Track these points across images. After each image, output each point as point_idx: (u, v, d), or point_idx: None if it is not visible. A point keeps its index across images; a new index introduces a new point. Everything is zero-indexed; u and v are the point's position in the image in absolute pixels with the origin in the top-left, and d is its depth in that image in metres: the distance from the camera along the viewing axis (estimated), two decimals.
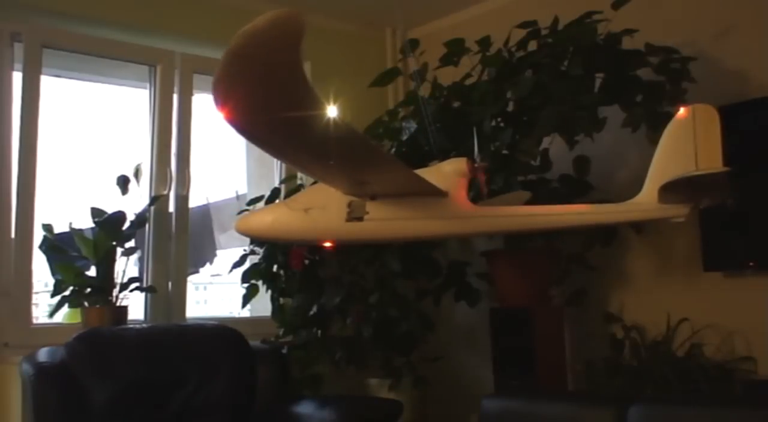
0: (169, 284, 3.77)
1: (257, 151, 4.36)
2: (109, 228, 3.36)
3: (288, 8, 1.22)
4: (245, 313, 4.09)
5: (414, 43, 3.63)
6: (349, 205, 2.00)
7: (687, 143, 1.89)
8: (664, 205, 1.91)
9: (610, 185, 3.42)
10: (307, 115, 1.44)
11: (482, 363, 3.58)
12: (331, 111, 1.47)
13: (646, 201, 1.94)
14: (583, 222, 2.08)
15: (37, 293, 3.57)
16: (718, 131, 1.91)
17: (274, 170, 4.25)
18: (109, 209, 3.39)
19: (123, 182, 3.44)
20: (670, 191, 1.87)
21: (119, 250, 3.40)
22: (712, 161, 1.85)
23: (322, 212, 2.02)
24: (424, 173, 2.04)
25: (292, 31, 1.24)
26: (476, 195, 2.25)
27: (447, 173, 2.00)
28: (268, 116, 1.53)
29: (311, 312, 3.64)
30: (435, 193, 1.95)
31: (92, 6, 3.60)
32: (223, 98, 1.37)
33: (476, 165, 2.03)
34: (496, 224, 2.04)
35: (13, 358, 3.12)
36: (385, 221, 1.98)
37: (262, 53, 1.27)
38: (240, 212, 3.81)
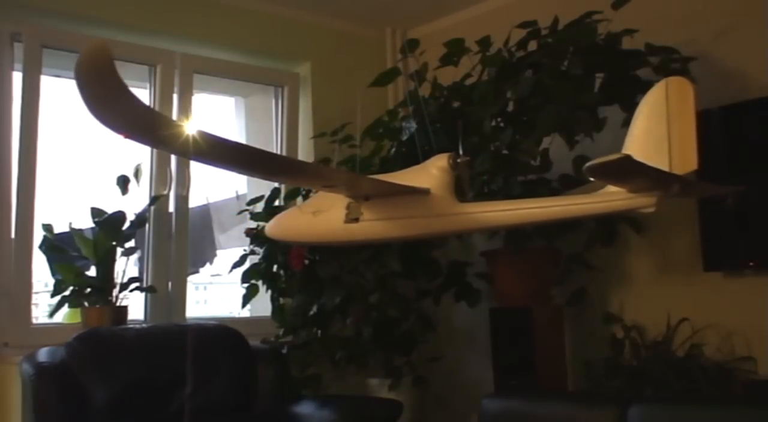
0: (169, 284, 3.77)
1: None
2: (109, 228, 3.36)
3: (98, 39, 1.35)
4: (245, 313, 4.09)
5: (414, 43, 3.63)
6: (347, 207, 2.01)
7: (660, 121, 1.75)
8: (631, 195, 1.77)
9: None
10: (166, 134, 1.53)
11: (482, 363, 3.58)
12: (191, 127, 1.52)
13: (614, 190, 1.81)
14: (552, 216, 1.93)
15: (37, 293, 3.57)
16: (693, 107, 1.75)
17: None
18: (109, 209, 3.39)
19: (123, 182, 3.43)
20: (602, 177, 1.76)
21: (119, 250, 3.40)
22: (685, 141, 1.72)
23: (327, 214, 2.05)
24: (411, 171, 2.04)
25: (102, 59, 1.36)
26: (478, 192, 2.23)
27: (430, 171, 1.98)
28: (135, 137, 1.63)
29: (311, 312, 3.64)
30: (413, 192, 1.93)
31: (92, 6, 3.60)
32: (100, 122, 1.47)
33: (459, 161, 1.98)
34: (473, 221, 1.97)
35: (13, 358, 3.13)
36: (375, 221, 1.98)
37: (91, 82, 1.41)
38: (240, 212, 3.83)
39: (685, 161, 1.74)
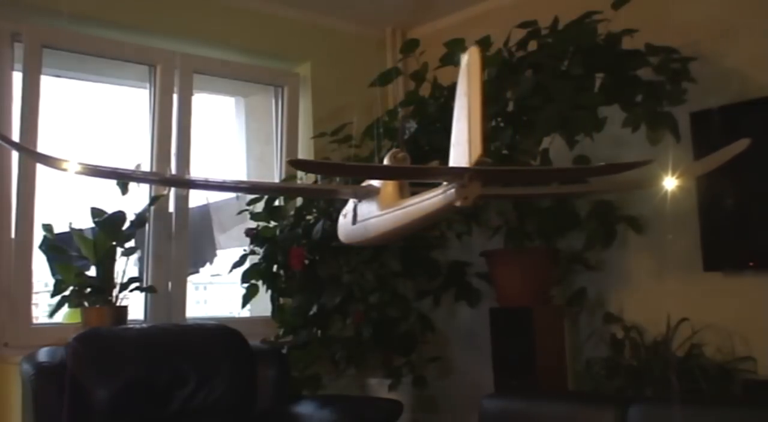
0: (169, 284, 3.77)
1: (257, 150, 4.39)
2: (109, 228, 3.36)
3: None
4: (245, 313, 4.09)
5: (414, 43, 3.63)
6: (354, 208, 2.05)
7: (462, 101, 1.50)
8: (446, 190, 1.59)
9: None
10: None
11: (482, 363, 3.58)
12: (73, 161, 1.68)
13: (444, 185, 1.63)
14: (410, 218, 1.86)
15: (37, 293, 3.57)
16: (479, 82, 1.48)
17: (274, 170, 4.25)
18: (109, 209, 3.39)
19: (123, 182, 3.43)
20: None
21: (119, 250, 3.40)
22: (474, 123, 1.46)
23: (348, 216, 2.10)
24: None
25: None
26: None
27: None
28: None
29: (311, 312, 3.64)
30: (372, 191, 1.95)
31: (92, 6, 3.60)
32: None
33: (397, 157, 1.96)
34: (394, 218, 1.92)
35: (13, 358, 3.12)
36: (360, 222, 2.02)
37: None
38: (240, 212, 3.83)
39: (473, 147, 1.46)
